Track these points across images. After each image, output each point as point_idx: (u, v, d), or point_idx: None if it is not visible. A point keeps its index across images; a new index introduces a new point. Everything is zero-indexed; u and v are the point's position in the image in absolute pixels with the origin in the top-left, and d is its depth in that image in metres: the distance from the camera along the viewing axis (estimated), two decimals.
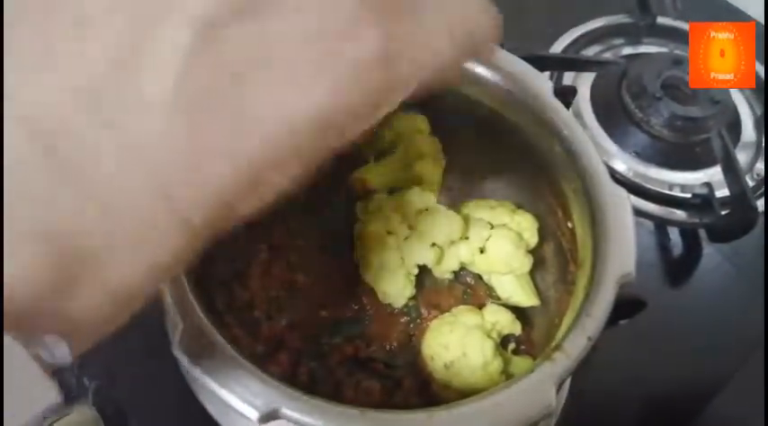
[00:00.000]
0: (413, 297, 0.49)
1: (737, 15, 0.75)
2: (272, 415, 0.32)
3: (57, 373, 0.20)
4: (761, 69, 0.67)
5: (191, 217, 0.21)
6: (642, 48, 0.71)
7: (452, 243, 0.48)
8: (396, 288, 0.48)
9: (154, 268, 0.21)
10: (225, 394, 0.33)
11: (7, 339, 0.18)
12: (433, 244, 0.47)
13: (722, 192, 0.58)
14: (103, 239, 0.20)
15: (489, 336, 0.45)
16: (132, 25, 0.19)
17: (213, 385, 0.33)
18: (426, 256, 0.47)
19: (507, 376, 0.44)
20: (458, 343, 0.44)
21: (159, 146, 0.20)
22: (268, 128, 0.21)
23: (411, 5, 0.23)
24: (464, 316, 0.46)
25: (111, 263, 0.20)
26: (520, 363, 0.45)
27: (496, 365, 0.43)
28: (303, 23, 0.21)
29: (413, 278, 0.48)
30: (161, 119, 0.20)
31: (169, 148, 0.20)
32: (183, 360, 0.33)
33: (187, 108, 0.20)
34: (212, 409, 0.42)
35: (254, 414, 0.32)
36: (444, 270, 0.49)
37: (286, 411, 0.32)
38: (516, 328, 0.47)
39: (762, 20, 0.72)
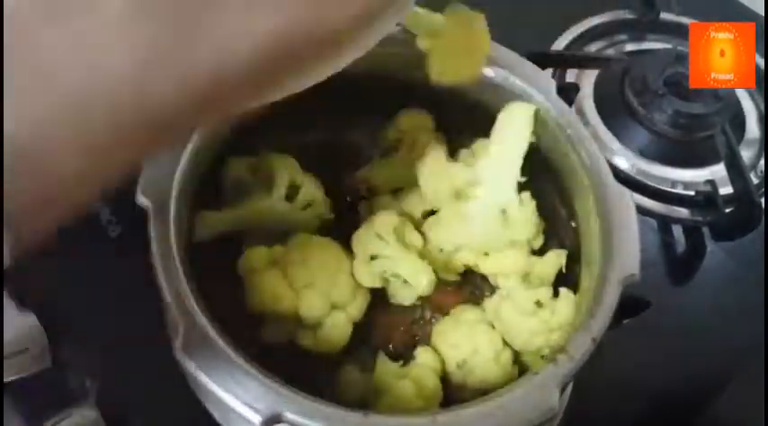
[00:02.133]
0: (420, 297, 0.48)
1: (740, 10, 0.74)
2: (274, 419, 0.32)
3: (59, 374, 0.20)
4: (761, 61, 0.66)
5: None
6: (645, 45, 0.70)
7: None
8: (403, 289, 0.47)
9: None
10: (227, 397, 0.32)
11: None
12: (441, 250, 0.47)
13: (726, 190, 0.58)
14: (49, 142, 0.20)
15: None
16: None
17: (215, 388, 0.33)
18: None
19: (520, 366, 0.44)
20: (466, 340, 0.44)
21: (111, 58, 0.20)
22: (227, 41, 0.21)
23: None
24: (464, 314, 0.46)
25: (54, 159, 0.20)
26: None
27: (507, 355, 0.44)
28: None
29: None
30: (116, 30, 0.20)
31: (119, 62, 0.20)
32: (186, 364, 0.33)
33: (142, 20, 0.20)
34: (215, 412, 0.42)
35: (256, 418, 0.32)
36: (450, 272, 0.49)
37: (289, 414, 0.32)
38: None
39: (763, 13, 0.72)
